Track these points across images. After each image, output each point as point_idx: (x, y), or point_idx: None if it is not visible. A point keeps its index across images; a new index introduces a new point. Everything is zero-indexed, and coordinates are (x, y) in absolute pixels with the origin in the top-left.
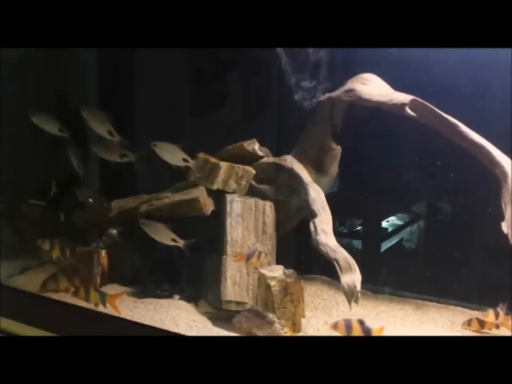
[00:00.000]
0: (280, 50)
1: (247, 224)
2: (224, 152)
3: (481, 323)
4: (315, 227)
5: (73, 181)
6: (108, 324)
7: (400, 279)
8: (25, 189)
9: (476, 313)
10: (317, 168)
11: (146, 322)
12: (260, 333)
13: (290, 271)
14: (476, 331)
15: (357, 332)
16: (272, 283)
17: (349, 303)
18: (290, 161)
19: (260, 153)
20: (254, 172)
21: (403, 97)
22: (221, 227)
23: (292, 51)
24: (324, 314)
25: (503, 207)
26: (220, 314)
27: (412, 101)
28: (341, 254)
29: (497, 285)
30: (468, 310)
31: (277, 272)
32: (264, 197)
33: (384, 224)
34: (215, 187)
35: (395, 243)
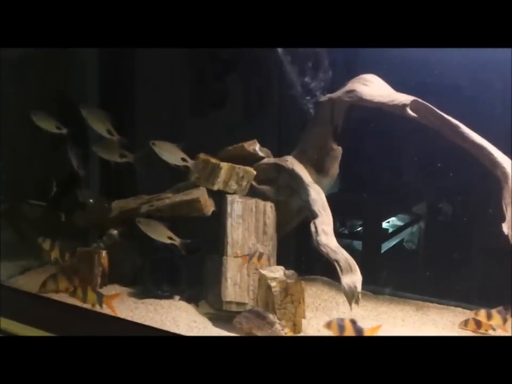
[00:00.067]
0: (280, 50)
1: (248, 225)
2: (224, 152)
3: (478, 323)
4: (316, 228)
5: (73, 181)
6: (108, 324)
7: (401, 280)
8: (25, 189)
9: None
10: (318, 169)
11: (146, 323)
12: (260, 334)
13: (291, 271)
14: (473, 331)
15: (349, 331)
16: (273, 284)
17: (350, 304)
18: (291, 162)
19: (261, 153)
20: (254, 172)
21: (404, 98)
22: (222, 228)
23: (292, 51)
24: (324, 315)
25: (504, 208)
26: (220, 315)
27: (412, 101)
28: (341, 255)
29: (498, 286)
30: (468, 311)
31: (277, 273)
32: (264, 197)
33: (384, 225)
34: (215, 188)
35: (396, 244)
